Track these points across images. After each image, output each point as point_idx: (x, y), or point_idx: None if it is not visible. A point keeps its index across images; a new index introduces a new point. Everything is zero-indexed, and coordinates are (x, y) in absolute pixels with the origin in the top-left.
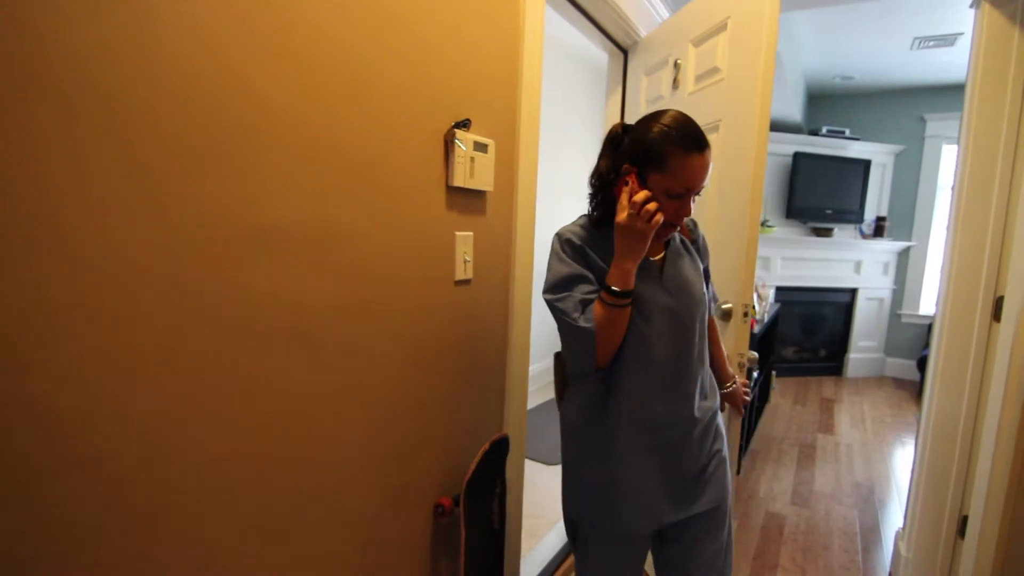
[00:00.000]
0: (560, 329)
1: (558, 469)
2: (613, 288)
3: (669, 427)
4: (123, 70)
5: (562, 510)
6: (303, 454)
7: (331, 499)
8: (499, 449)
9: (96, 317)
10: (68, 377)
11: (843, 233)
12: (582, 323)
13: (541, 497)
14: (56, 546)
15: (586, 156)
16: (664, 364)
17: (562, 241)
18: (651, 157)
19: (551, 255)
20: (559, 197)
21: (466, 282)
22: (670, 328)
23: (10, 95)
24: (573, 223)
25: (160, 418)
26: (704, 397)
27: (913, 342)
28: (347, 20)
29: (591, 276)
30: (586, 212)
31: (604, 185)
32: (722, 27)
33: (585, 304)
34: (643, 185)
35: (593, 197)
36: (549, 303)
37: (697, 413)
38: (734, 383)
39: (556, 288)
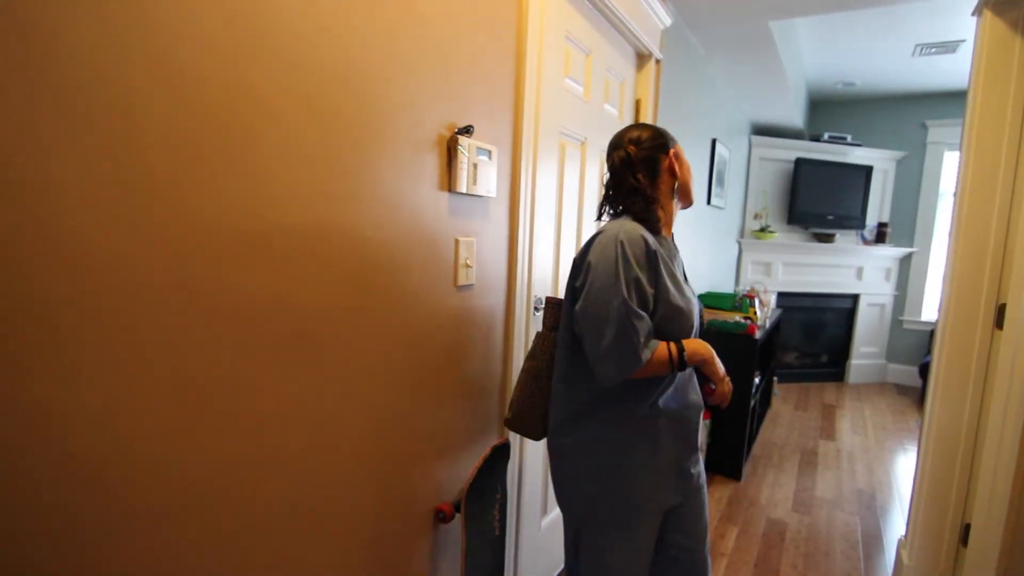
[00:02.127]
0: (613, 337)
1: None
2: (684, 356)
3: (694, 413)
4: (128, 75)
5: (576, 507)
6: (304, 458)
7: (331, 503)
8: (500, 455)
9: (96, 318)
10: (68, 378)
11: (845, 239)
12: (644, 354)
13: None
14: (56, 548)
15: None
16: None
17: (647, 246)
18: (669, 140)
19: (625, 256)
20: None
21: (468, 287)
22: (696, 325)
23: (15, 98)
24: (630, 224)
25: (160, 420)
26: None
27: (915, 348)
28: (351, 28)
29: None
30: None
31: (640, 188)
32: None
33: (650, 335)
34: (680, 159)
35: (631, 204)
36: (621, 314)
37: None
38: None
39: (634, 299)
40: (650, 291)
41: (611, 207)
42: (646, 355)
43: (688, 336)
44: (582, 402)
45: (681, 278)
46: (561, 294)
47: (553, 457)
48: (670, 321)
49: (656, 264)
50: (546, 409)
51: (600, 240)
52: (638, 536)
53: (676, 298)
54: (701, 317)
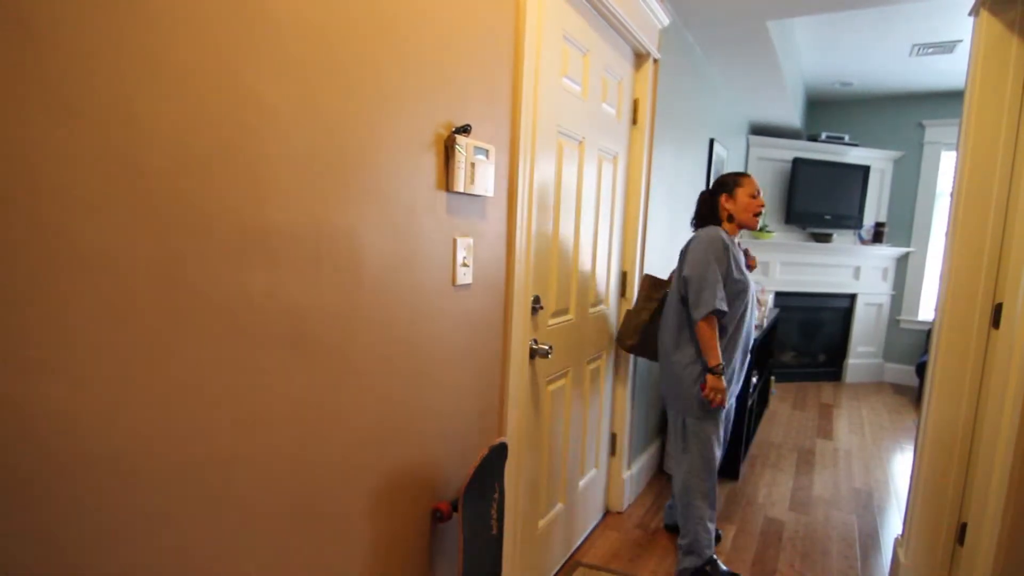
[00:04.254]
0: (707, 289)
1: None
2: (717, 368)
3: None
4: (126, 75)
5: (681, 404)
6: (301, 458)
7: (329, 503)
8: (497, 455)
9: (96, 318)
10: (67, 377)
11: (842, 239)
12: (721, 304)
13: None
14: (56, 548)
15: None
16: None
17: (722, 243)
18: (732, 185)
19: (714, 250)
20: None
21: (466, 287)
22: (752, 299)
23: (11, 98)
24: (715, 230)
25: (159, 420)
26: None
27: (912, 348)
28: (349, 29)
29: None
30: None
31: (714, 208)
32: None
33: (723, 298)
34: (734, 198)
35: (711, 216)
36: (711, 279)
37: None
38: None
39: (717, 273)
40: (721, 271)
41: (700, 219)
42: (723, 306)
43: (747, 304)
44: (685, 338)
45: (744, 266)
46: (559, 292)
47: (666, 370)
48: (736, 293)
49: (726, 255)
50: (655, 342)
51: (699, 236)
52: (719, 421)
53: (737, 275)
54: (755, 298)
